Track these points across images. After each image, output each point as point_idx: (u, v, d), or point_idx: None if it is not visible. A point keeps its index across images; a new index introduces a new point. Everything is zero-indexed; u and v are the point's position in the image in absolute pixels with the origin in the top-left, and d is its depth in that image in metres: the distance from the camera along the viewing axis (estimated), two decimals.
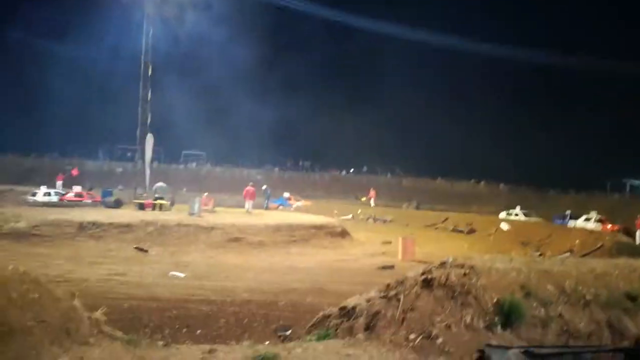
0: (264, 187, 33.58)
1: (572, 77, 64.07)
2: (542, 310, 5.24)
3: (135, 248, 16.65)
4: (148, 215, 21.31)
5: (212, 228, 18.83)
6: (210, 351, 4.94)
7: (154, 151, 30.28)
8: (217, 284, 12.04)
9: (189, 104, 51.47)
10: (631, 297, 5.59)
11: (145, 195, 27.49)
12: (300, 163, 71.30)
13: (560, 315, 5.23)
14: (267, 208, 31.58)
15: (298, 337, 6.92)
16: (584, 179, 54.07)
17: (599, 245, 18.19)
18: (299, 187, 55.69)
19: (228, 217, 22.13)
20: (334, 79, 69.80)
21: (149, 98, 29.33)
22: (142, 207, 25.33)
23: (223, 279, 12.60)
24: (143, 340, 5.43)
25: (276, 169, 66.10)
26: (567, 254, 15.95)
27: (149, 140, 28.92)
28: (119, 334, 5.06)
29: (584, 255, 14.44)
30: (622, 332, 5.24)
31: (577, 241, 20.10)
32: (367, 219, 34.61)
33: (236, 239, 18.46)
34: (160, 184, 26.82)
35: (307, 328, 7.57)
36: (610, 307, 5.45)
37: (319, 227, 21.35)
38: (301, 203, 41.74)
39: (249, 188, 27.52)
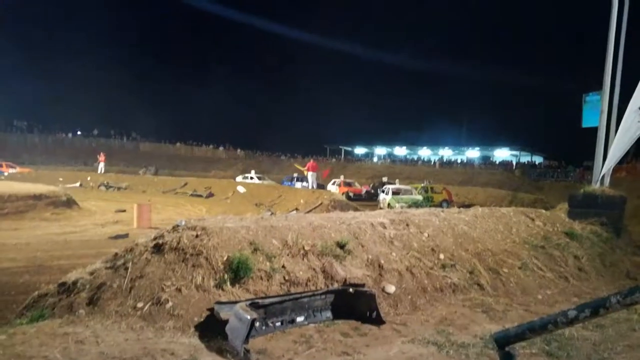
0: None
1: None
2: (268, 263, 5.60)
3: None
4: None
5: None
6: None
7: None
8: None
9: None
10: (340, 245, 6.44)
11: None
12: (15, 123, 60.88)
13: (283, 266, 5.68)
14: None
15: (6, 323, 5.90)
16: (309, 145, 61.58)
17: (318, 203, 20.67)
18: (12, 151, 47.51)
19: None
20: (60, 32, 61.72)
21: None
22: None
23: None
24: None
25: None
26: (294, 212, 17.66)
27: None
28: None
29: (307, 212, 16.17)
30: (333, 276, 5.99)
31: (302, 200, 22.46)
32: (99, 186, 31.92)
33: None
34: None
35: (18, 312, 6.54)
36: (324, 255, 6.17)
37: (38, 197, 18.57)
38: (16, 170, 35.87)
39: None
